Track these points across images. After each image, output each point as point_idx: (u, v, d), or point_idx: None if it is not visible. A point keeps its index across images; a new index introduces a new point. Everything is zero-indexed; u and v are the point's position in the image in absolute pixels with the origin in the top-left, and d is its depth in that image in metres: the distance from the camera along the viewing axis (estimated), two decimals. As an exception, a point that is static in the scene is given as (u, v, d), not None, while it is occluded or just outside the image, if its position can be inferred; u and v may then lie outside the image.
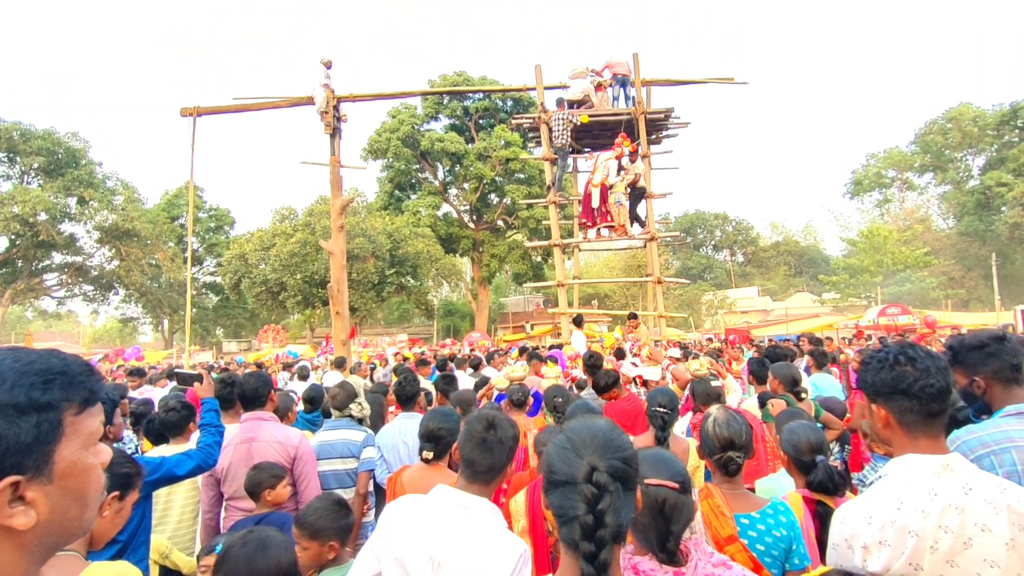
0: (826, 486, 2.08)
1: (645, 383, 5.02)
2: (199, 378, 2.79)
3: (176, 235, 38.99)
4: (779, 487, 2.57)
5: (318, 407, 4.73)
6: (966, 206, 39.54)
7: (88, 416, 0.76)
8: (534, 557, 2.34)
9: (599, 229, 11.79)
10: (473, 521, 1.58)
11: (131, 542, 2.21)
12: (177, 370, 3.01)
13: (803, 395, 3.95)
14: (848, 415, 4.00)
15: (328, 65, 11.67)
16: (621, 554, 1.28)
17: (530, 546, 2.37)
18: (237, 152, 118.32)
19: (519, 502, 2.50)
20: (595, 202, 11.39)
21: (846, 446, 3.58)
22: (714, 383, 3.71)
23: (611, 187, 11.39)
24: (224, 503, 3.11)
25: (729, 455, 1.93)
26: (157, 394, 7.56)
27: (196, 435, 2.82)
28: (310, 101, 11.64)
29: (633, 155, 11.86)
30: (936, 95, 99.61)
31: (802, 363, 7.63)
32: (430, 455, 2.51)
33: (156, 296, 37.39)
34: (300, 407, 4.90)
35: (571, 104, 12.20)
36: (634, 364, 5.79)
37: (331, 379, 7.72)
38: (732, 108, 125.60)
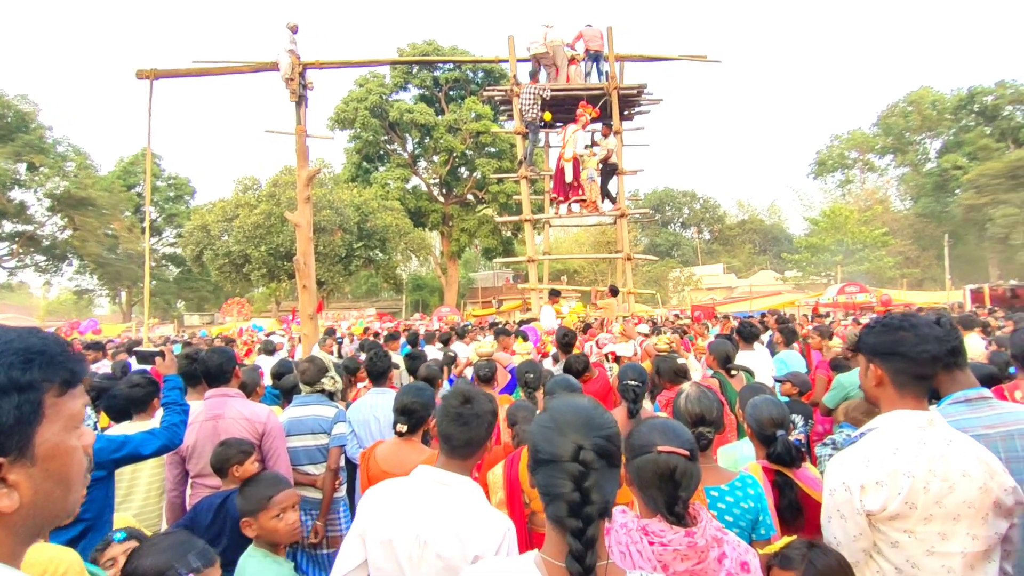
0: (784, 458, 2.18)
1: (618, 359, 5.09)
2: (161, 355, 2.70)
3: (133, 204, 37.53)
4: (740, 455, 2.68)
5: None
6: (923, 188, 40.89)
7: (70, 398, 0.75)
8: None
9: (570, 205, 11.80)
10: (456, 499, 1.58)
11: (96, 521, 2.16)
12: (137, 348, 2.91)
13: (733, 372, 4.10)
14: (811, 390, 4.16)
15: (294, 30, 11.21)
16: (630, 518, 1.32)
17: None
18: (197, 119, 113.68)
19: (496, 474, 2.53)
20: (568, 176, 11.36)
21: (809, 420, 3.73)
22: (679, 360, 3.78)
23: (582, 159, 11.37)
24: (190, 480, 3.06)
25: (700, 430, 1.99)
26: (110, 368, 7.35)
27: (160, 413, 2.75)
28: (274, 67, 11.20)
29: (606, 130, 11.83)
30: (899, 78, 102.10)
31: (767, 339, 7.88)
32: (404, 429, 2.52)
33: (113, 267, 36.09)
34: (268, 382, 4.83)
35: (540, 60, 12.00)
36: (603, 342, 5.87)
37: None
38: (703, 86, 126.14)
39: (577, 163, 11.36)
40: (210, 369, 3.16)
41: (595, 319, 10.18)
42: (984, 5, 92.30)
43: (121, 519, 2.53)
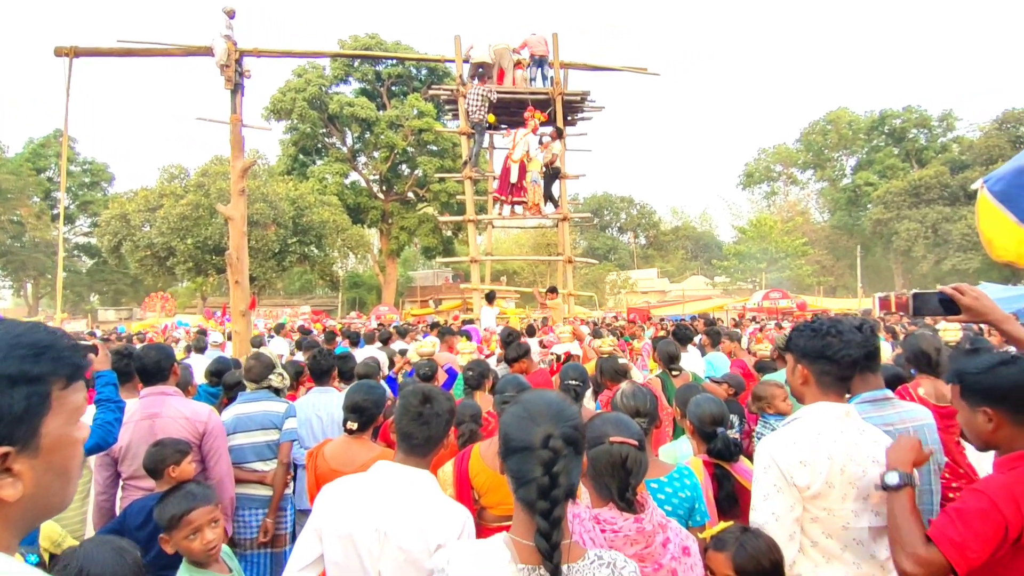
0: (723, 454, 2.36)
1: (569, 358, 5.22)
2: (93, 349, 2.56)
3: (43, 189, 34.71)
4: (680, 453, 2.84)
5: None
6: (839, 202, 43.90)
7: (73, 391, 0.77)
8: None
9: (513, 207, 11.93)
10: (415, 492, 1.62)
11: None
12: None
13: (675, 372, 4.34)
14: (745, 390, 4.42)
15: (231, 15, 10.74)
16: (582, 508, 1.41)
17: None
18: (118, 101, 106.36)
19: (446, 471, 2.56)
20: (513, 177, 11.48)
21: (743, 419, 3.97)
22: (621, 360, 3.95)
23: (529, 163, 11.54)
24: (122, 483, 2.92)
25: (636, 421, 2.12)
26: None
27: (91, 411, 2.61)
28: (209, 52, 10.70)
29: (554, 134, 12.04)
30: (821, 96, 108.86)
31: (698, 340, 8.26)
32: (354, 426, 2.51)
33: (18, 257, 33.27)
34: (199, 380, 4.65)
35: (481, 67, 12.09)
36: (549, 342, 5.99)
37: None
38: (642, 97, 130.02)
39: (524, 166, 11.51)
40: (147, 366, 3.02)
41: (535, 320, 10.34)
42: (897, 33, 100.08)
43: (47, 527, 2.40)
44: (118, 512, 2.82)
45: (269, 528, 3.26)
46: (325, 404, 3.69)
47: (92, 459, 2.99)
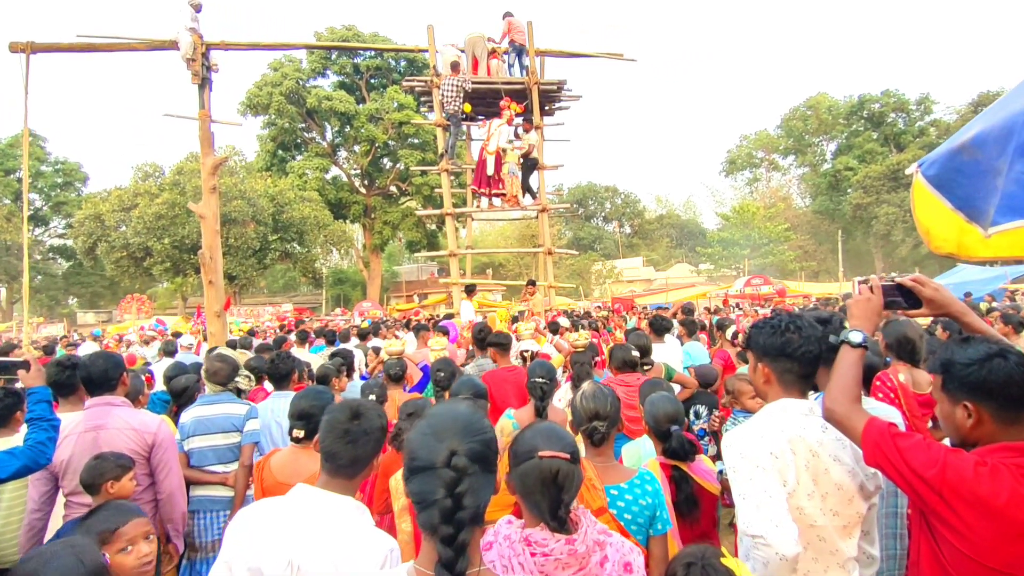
0: (678, 453, 2.28)
1: (534, 356, 5.12)
2: (24, 365, 2.41)
3: (12, 191, 33.81)
4: (644, 451, 2.76)
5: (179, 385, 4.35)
6: (820, 187, 44.21)
7: None
8: (416, 534, 2.32)
9: (491, 199, 11.78)
10: (335, 521, 1.50)
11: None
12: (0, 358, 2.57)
13: (646, 367, 4.26)
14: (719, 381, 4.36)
15: (197, 8, 10.45)
16: (515, 530, 1.31)
17: (411, 524, 2.35)
18: (92, 99, 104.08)
19: (399, 479, 2.46)
20: (490, 169, 11.32)
21: (714, 410, 3.90)
22: (633, 351, 3.87)
23: (505, 153, 11.39)
24: (65, 500, 2.77)
25: (594, 425, 2.04)
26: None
27: (24, 429, 2.46)
28: (173, 46, 10.40)
29: (527, 125, 11.89)
30: (801, 82, 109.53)
31: (675, 330, 8.22)
32: (301, 434, 2.40)
33: (-11, 261, 32.53)
34: (159, 388, 4.49)
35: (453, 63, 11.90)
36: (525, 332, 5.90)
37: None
38: (623, 84, 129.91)
39: (499, 157, 11.35)
40: (92, 375, 2.85)
41: (519, 311, 10.25)
42: (875, 17, 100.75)
43: None
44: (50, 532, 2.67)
45: None
46: (285, 409, 3.55)
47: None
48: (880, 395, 2.80)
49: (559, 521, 1.28)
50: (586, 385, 2.15)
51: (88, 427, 2.74)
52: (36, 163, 34.59)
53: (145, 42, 10.41)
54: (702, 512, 2.22)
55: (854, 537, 1.61)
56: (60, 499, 2.79)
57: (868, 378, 2.81)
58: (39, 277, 36.30)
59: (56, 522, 2.70)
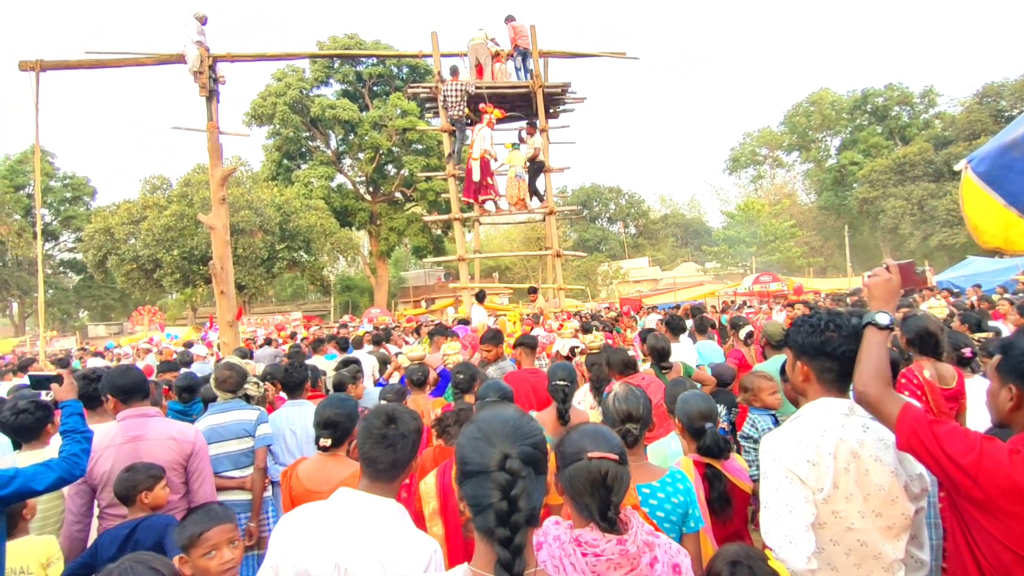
0: (713, 451, 2.27)
1: (572, 355, 5.12)
2: (58, 379, 2.44)
3: (23, 206, 34.14)
4: (668, 450, 2.76)
5: (195, 395, 4.40)
6: (825, 182, 44.03)
7: None
8: (447, 537, 2.33)
9: (483, 203, 11.80)
10: (379, 524, 1.51)
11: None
12: (32, 372, 2.60)
13: (666, 367, 4.24)
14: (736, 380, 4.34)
15: (203, 20, 10.56)
16: (563, 530, 1.32)
17: (442, 527, 2.36)
18: (98, 114, 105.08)
19: (429, 484, 2.46)
20: (476, 175, 11.33)
21: (733, 408, 3.89)
22: (630, 352, 3.85)
23: (490, 157, 11.42)
24: (101, 511, 2.78)
25: (627, 427, 2.03)
26: (2, 389, 6.68)
27: (56, 440, 2.49)
28: (181, 59, 10.51)
29: (532, 129, 11.90)
30: (803, 78, 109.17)
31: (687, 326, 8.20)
32: (328, 443, 2.41)
33: (1, 276, 32.79)
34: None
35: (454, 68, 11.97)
36: (541, 342, 5.90)
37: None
38: (625, 84, 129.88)
39: (485, 162, 11.34)
40: (126, 386, 2.88)
41: (529, 315, 10.25)
42: (876, 10, 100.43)
43: (44, 542, 2.35)
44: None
45: (254, 532, 3.33)
46: (299, 418, 3.63)
47: (65, 487, 2.88)
48: (907, 392, 2.79)
49: (609, 522, 1.29)
50: (618, 386, 2.15)
51: (127, 438, 2.75)
52: (45, 178, 34.89)
53: (152, 57, 10.52)
54: (735, 510, 2.21)
55: (901, 540, 1.58)
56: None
57: (891, 374, 2.80)
58: (50, 291, 36.61)
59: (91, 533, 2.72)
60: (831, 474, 1.54)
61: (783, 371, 3.39)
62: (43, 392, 2.73)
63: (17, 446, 3.00)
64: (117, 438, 2.75)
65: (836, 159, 44.10)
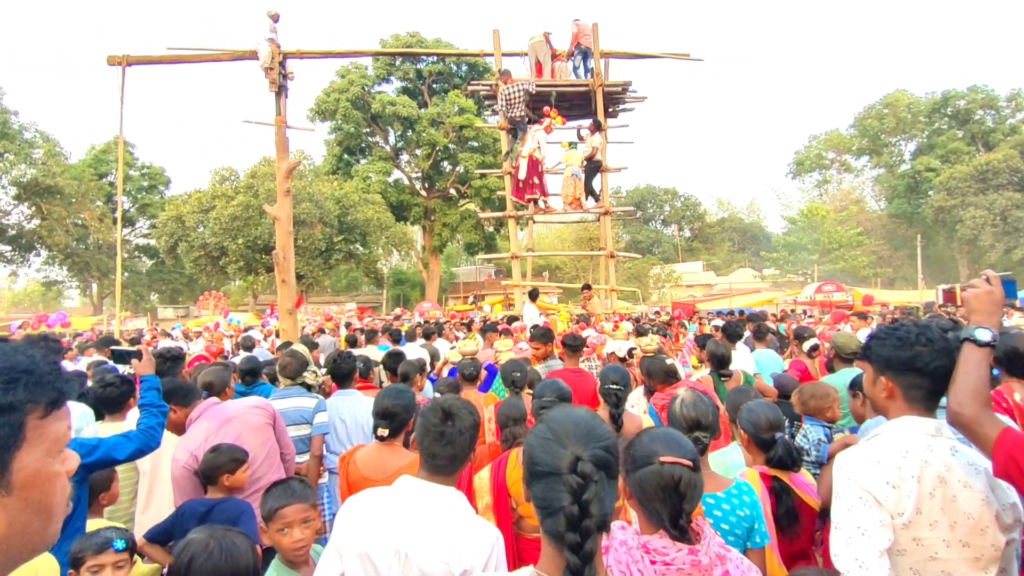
0: (785, 462, 2.16)
1: (626, 357, 5.06)
2: (138, 355, 2.57)
3: (105, 193, 36.47)
4: (730, 461, 2.65)
5: (257, 378, 4.57)
6: (897, 189, 41.72)
7: (55, 419, 0.69)
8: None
9: (529, 202, 11.77)
10: (440, 510, 1.52)
11: (65, 530, 2.05)
12: (114, 348, 2.76)
13: (726, 375, 4.09)
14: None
15: (275, 18, 10.97)
16: (630, 535, 1.29)
17: (495, 523, 2.36)
18: (174, 107, 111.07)
19: (483, 479, 2.47)
20: (522, 174, 11.28)
21: (795, 422, 3.71)
22: (668, 361, 3.75)
23: (540, 160, 11.38)
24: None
25: (696, 435, 1.96)
26: (84, 365, 7.14)
27: (134, 413, 2.63)
28: (253, 55, 10.94)
29: (592, 127, 11.79)
30: (876, 80, 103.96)
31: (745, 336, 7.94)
32: (385, 433, 2.45)
33: (83, 258, 35.16)
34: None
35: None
36: (592, 343, 5.83)
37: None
38: (685, 84, 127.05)
39: (533, 161, 11.28)
40: (214, 383, 3.21)
41: (579, 315, 10.18)
42: (959, 11, 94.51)
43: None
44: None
45: None
46: (348, 407, 3.71)
47: (145, 461, 3.04)
48: (1001, 413, 2.59)
49: (681, 530, 1.25)
50: (685, 392, 2.07)
51: (220, 422, 2.87)
52: (125, 168, 37.10)
53: (228, 53, 11.00)
54: (802, 527, 2.11)
55: (989, 573, 1.46)
56: (164, 490, 2.93)
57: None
58: (126, 274, 38.92)
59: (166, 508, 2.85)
60: (914, 498, 1.43)
61: (852, 385, 3.25)
62: (122, 367, 2.89)
63: (100, 416, 3.19)
64: (212, 426, 2.83)
65: (910, 164, 41.71)
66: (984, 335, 1.44)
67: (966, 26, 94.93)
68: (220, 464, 2.48)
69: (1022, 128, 37.69)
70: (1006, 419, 2.49)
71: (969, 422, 1.39)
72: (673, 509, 1.27)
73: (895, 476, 1.45)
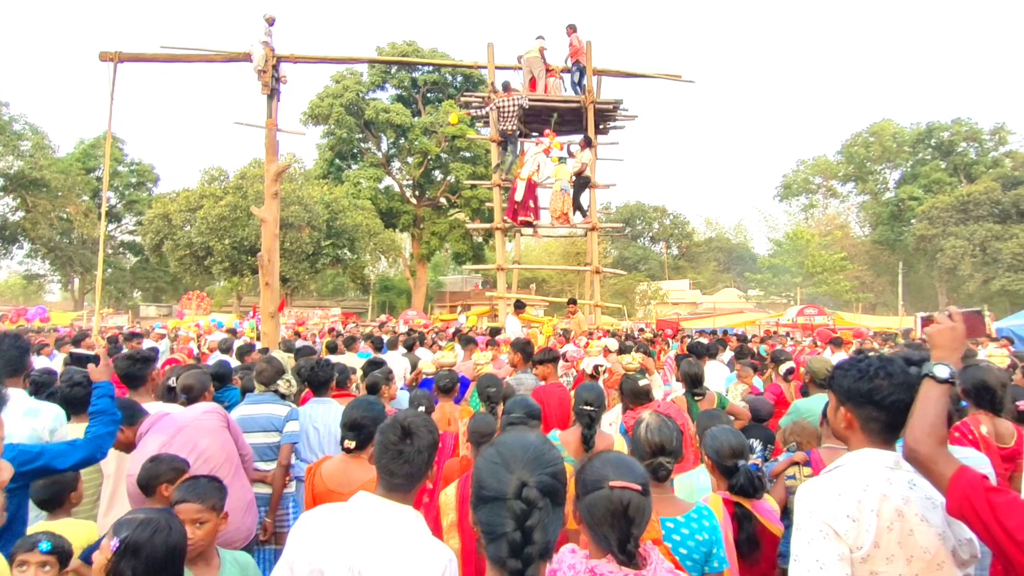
0: (747, 490, 2.17)
1: (597, 374, 5.06)
2: (95, 359, 2.50)
3: (91, 188, 36.06)
4: (696, 484, 2.66)
5: (227, 383, 4.51)
6: (881, 216, 42.43)
7: None
8: (463, 551, 2.31)
9: (521, 224, 11.83)
10: (395, 529, 1.51)
11: (2, 538, 1.99)
12: (73, 351, 2.72)
13: (699, 395, 4.12)
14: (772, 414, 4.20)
15: (271, 21, 10.99)
16: (579, 559, 1.29)
17: (459, 540, 2.34)
18: (165, 105, 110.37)
19: (449, 495, 2.45)
20: (518, 195, 11.34)
21: (768, 444, 3.74)
22: (641, 382, 3.75)
23: (539, 184, 11.47)
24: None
25: (659, 461, 1.96)
26: (60, 361, 7.01)
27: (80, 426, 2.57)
28: (247, 57, 10.94)
29: (582, 143, 11.89)
30: (863, 108, 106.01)
31: (726, 356, 8.00)
32: (352, 445, 2.42)
33: (66, 252, 34.66)
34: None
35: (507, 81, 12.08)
36: (572, 356, 5.84)
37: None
38: (677, 104, 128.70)
39: (531, 185, 11.35)
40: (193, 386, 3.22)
41: (563, 329, 10.18)
42: (946, 45, 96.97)
43: (86, 527, 2.39)
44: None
45: (269, 527, 3.35)
46: (323, 415, 3.68)
47: (109, 464, 2.98)
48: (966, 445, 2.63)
49: (628, 555, 1.25)
50: (650, 416, 2.07)
51: (176, 428, 2.79)
52: (114, 163, 36.76)
53: (222, 54, 10.97)
54: (763, 554, 2.12)
55: None
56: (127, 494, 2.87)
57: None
58: (109, 270, 38.43)
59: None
60: (873, 532, 1.43)
61: (825, 411, 3.29)
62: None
63: (67, 417, 3.13)
64: (168, 433, 2.76)
65: (894, 193, 42.47)
66: (943, 372, 1.45)
67: (952, 59, 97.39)
68: (159, 473, 2.33)
69: (1004, 161, 38.53)
70: (971, 451, 2.54)
71: (925, 459, 1.40)
72: (621, 534, 1.27)
73: (855, 509, 1.45)
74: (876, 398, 1.52)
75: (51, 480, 2.34)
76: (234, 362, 6.31)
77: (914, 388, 1.50)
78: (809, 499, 1.52)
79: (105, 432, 2.37)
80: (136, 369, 3.10)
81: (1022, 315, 15.38)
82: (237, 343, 8.17)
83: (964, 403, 3.13)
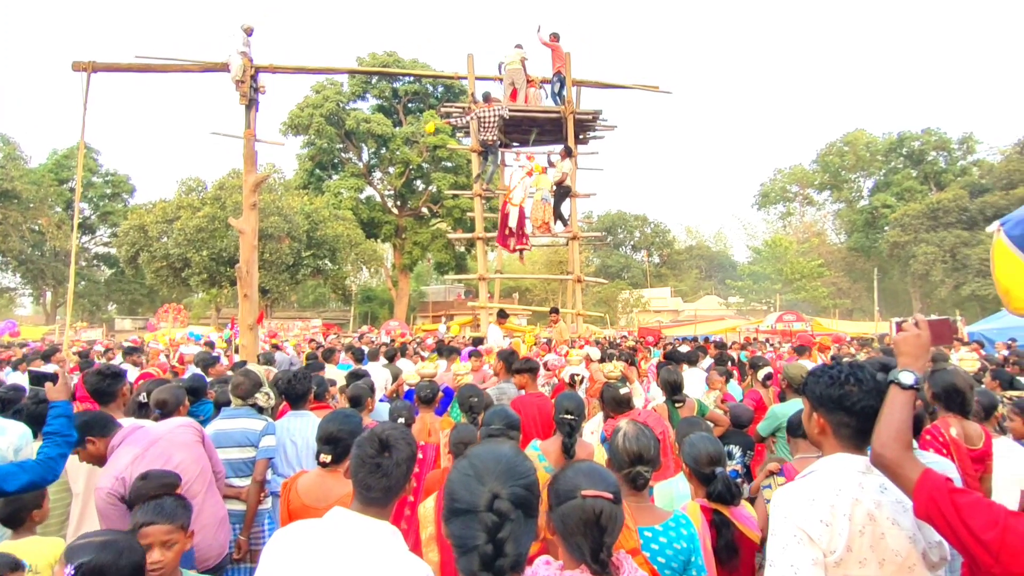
0: (724, 497, 2.18)
1: (574, 382, 5.06)
2: (52, 377, 2.42)
3: (64, 199, 35.33)
4: (676, 491, 2.66)
5: (201, 397, 4.43)
6: (856, 223, 43.33)
7: None
8: (442, 565, 2.28)
9: (513, 251, 11.86)
10: (370, 546, 1.48)
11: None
12: (31, 369, 2.63)
13: (679, 402, 4.15)
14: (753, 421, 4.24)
15: (249, 32, 10.91)
16: (554, 570, 1.28)
17: (438, 553, 2.31)
18: (142, 115, 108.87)
19: (428, 507, 2.42)
20: (512, 222, 11.35)
21: (748, 451, 3.77)
22: (622, 390, 3.77)
23: (528, 206, 11.53)
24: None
25: (638, 470, 1.96)
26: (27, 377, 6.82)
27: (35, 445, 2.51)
28: (225, 68, 10.84)
29: (562, 153, 11.97)
30: (838, 118, 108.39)
31: (706, 363, 8.07)
32: (328, 459, 2.38)
33: (37, 265, 33.85)
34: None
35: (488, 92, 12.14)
36: (553, 365, 5.84)
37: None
38: (656, 115, 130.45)
39: (523, 211, 11.39)
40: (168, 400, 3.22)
41: (545, 339, 10.19)
42: (916, 56, 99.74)
43: (53, 543, 2.31)
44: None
45: (243, 545, 3.25)
46: (300, 429, 3.60)
47: (79, 482, 2.91)
48: (931, 450, 2.68)
49: (601, 564, 1.24)
50: (627, 425, 2.07)
51: (148, 443, 2.72)
52: (88, 174, 36.10)
53: (198, 64, 10.87)
54: (742, 560, 2.13)
55: None
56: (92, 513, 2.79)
57: (915, 430, 2.70)
58: (83, 283, 37.63)
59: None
60: (845, 536, 1.46)
61: (792, 428, 3.33)
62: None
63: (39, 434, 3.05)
64: (140, 446, 2.68)
65: (868, 201, 43.44)
66: (908, 378, 1.48)
67: (922, 70, 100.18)
68: (148, 492, 2.26)
69: (972, 169, 39.67)
70: (935, 455, 2.58)
71: (891, 464, 1.43)
72: (594, 543, 1.27)
73: (828, 514, 1.47)
74: (847, 404, 1.56)
75: (9, 499, 2.26)
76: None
77: (883, 394, 1.53)
78: (783, 505, 1.55)
79: (57, 454, 2.27)
80: (106, 385, 3.02)
81: (992, 319, 15.79)
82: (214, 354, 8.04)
83: (934, 409, 3.20)
